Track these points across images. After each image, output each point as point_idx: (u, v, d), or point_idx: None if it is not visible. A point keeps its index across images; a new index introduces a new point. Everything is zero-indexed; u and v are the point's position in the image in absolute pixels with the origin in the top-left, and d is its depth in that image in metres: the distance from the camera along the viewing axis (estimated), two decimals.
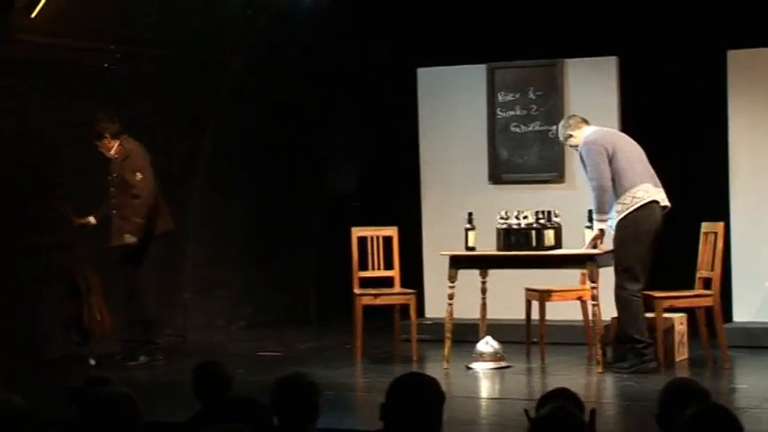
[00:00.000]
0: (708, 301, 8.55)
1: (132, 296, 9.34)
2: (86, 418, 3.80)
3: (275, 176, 11.42)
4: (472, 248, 8.84)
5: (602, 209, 8.44)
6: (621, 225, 8.44)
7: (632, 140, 8.67)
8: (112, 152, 9.30)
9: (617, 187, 8.44)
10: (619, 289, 8.44)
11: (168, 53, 10.07)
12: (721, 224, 8.68)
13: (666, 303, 8.47)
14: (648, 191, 8.45)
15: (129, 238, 9.18)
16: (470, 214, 8.89)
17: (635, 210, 8.41)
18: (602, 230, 8.49)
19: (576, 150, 8.73)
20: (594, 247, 8.52)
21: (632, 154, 8.54)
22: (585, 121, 8.74)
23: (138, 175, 9.23)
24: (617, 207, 8.46)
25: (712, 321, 8.59)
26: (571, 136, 8.72)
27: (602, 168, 8.43)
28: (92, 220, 9.40)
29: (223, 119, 10.72)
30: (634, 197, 8.43)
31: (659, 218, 8.47)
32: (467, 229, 8.85)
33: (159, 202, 9.39)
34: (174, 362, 9.34)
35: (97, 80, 9.62)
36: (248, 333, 11.08)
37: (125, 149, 9.30)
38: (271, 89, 11.00)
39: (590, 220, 8.61)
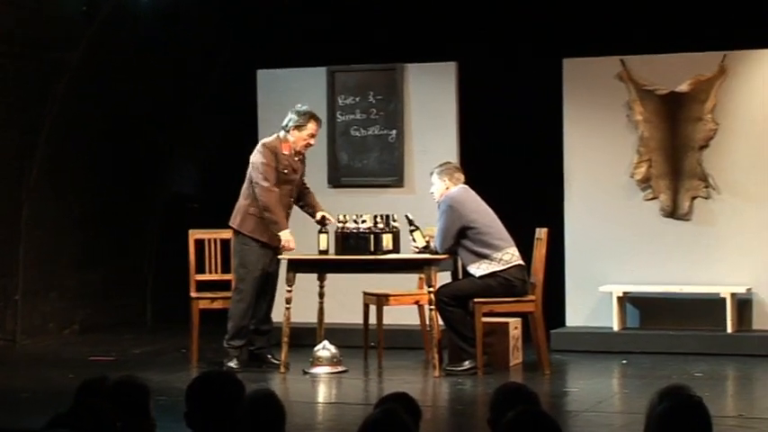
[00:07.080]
0: (529, 307, 8.61)
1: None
2: None
3: (113, 176, 11.19)
4: (325, 251, 8.79)
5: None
6: (490, 275, 8.48)
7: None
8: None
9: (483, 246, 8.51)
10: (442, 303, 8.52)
11: (3, 48, 9.80)
12: (545, 230, 8.75)
13: (486, 308, 8.49)
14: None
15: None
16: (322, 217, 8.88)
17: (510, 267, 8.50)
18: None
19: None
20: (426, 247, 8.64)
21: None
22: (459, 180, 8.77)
23: None
24: (486, 263, 8.50)
25: (548, 326, 8.72)
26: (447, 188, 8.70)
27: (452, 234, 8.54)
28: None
29: (59, 116, 10.47)
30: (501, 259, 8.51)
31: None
32: (319, 232, 8.80)
33: None
34: (3, 367, 9.09)
35: None
36: (82, 337, 10.85)
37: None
38: (111, 86, 10.77)
39: (410, 223, 8.71)
